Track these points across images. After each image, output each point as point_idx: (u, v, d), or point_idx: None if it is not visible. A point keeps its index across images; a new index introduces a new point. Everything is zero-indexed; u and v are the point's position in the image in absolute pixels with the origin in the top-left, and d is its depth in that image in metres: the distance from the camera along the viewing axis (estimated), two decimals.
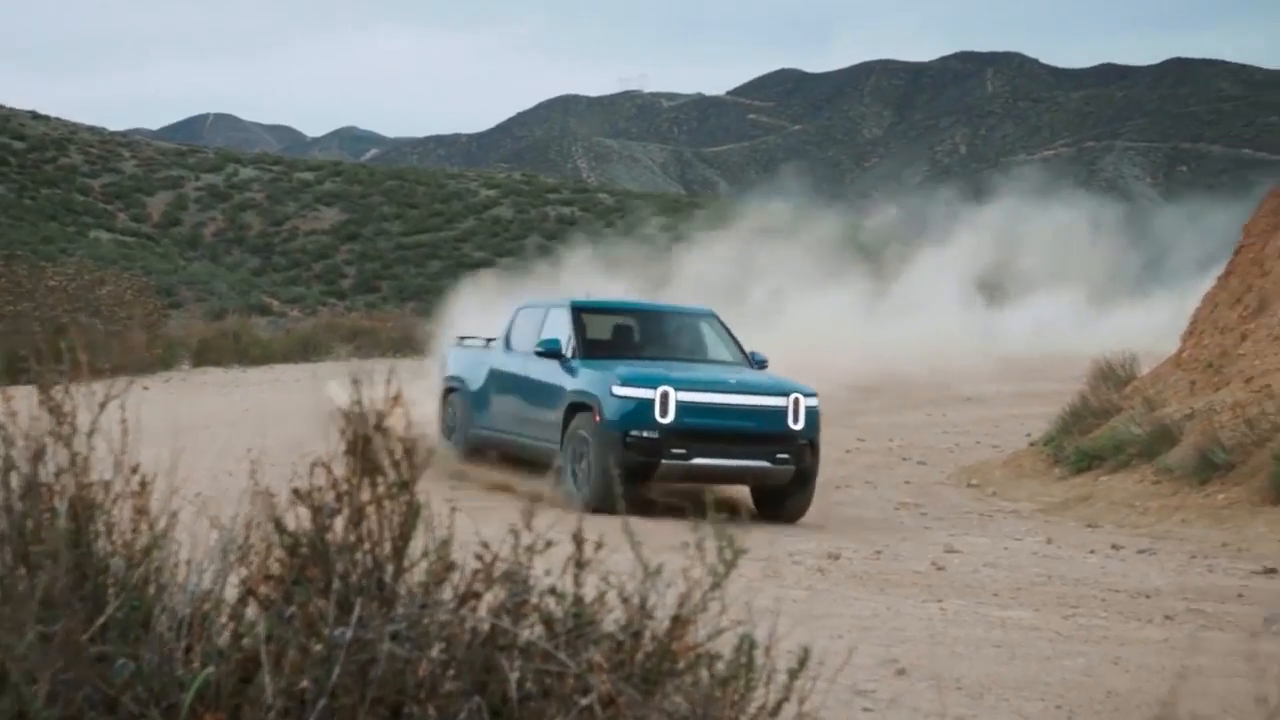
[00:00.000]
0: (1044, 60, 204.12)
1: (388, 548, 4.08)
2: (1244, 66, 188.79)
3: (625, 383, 17.19)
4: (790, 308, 33.61)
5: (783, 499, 17.64)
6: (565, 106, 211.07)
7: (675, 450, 16.98)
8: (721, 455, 17.13)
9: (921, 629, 10.67)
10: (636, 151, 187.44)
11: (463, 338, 21.79)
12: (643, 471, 16.95)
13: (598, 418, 17.18)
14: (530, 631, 3.98)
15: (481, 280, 30.26)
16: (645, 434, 17.00)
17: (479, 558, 4.01)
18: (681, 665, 3.99)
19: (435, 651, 3.92)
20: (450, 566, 4.09)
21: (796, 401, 17.47)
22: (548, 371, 18.49)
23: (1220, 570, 14.35)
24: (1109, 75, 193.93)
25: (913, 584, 13.06)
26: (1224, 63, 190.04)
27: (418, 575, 4.09)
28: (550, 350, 18.35)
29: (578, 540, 4.03)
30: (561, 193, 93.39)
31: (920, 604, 11.94)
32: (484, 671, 3.90)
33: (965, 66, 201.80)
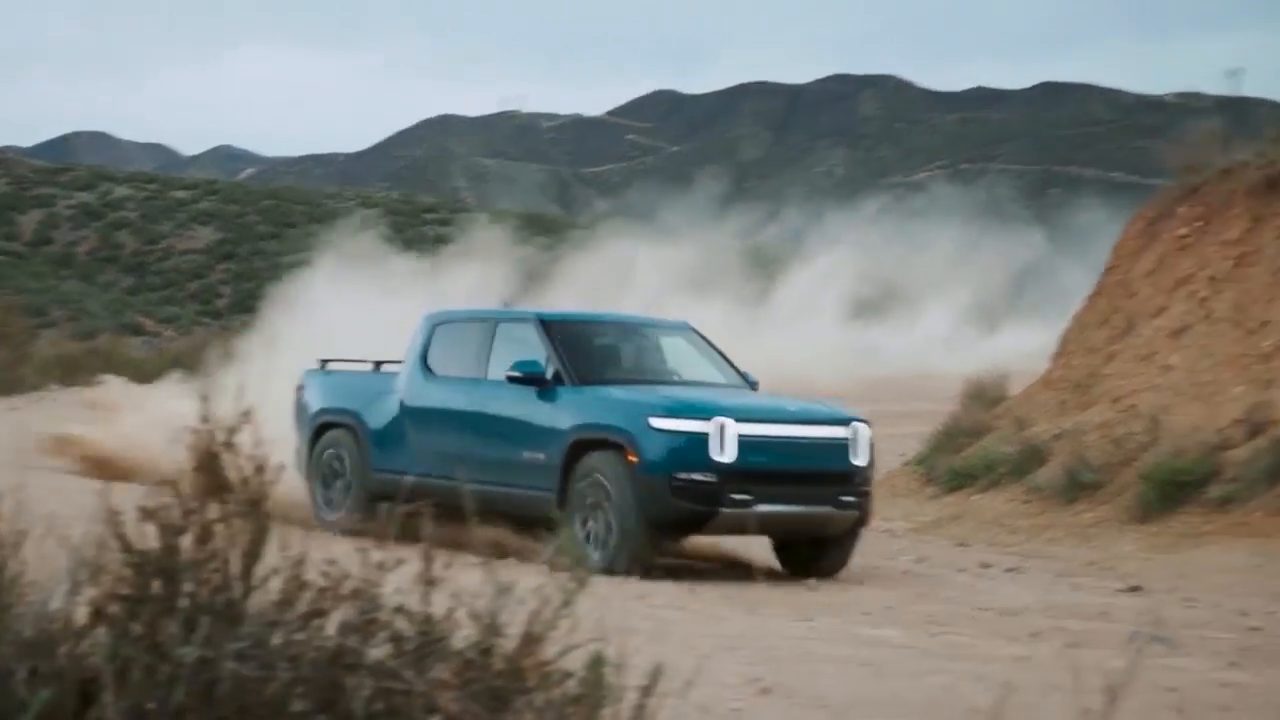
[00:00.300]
0: (919, 83, 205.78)
1: (236, 566, 4.04)
2: (1114, 90, 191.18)
3: (670, 414, 14.06)
4: None
5: (824, 550, 14.81)
6: (444, 126, 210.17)
7: (737, 496, 13.92)
8: (787, 500, 14.24)
9: (790, 648, 10.69)
10: (515, 172, 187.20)
11: (325, 360, 18.04)
12: (692, 524, 14.20)
13: (633, 458, 13.90)
14: (379, 650, 3.96)
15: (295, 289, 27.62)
16: (698, 477, 13.86)
17: (325, 574, 3.97)
18: (532, 683, 3.97)
19: (282, 671, 3.89)
20: (302, 585, 4.06)
21: (857, 432, 14.65)
22: (523, 400, 15.06)
23: (1086, 588, 14.53)
24: (983, 98, 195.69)
25: (783, 603, 13.09)
26: (1094, 86, 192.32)
27: (270, 594, 4.05)
28: (531, 375, 14.93)
29: (427, 557, 4.01)
30: (439, 212, 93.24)
31: (790, 623, 11.97)
32: (331, 690, 3.87)
33: (842, 88, 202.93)
